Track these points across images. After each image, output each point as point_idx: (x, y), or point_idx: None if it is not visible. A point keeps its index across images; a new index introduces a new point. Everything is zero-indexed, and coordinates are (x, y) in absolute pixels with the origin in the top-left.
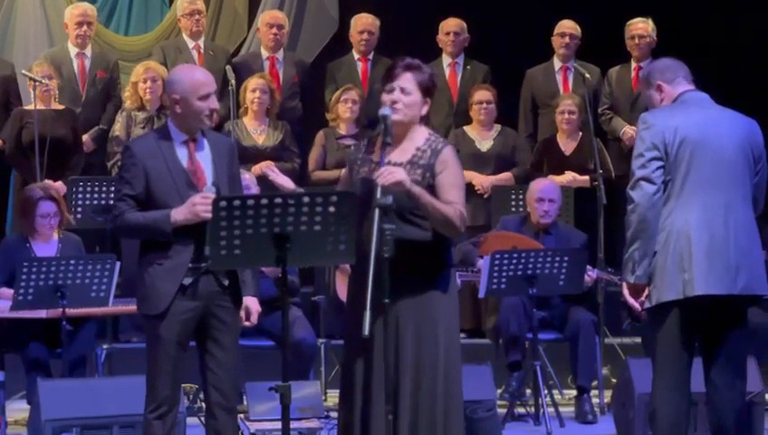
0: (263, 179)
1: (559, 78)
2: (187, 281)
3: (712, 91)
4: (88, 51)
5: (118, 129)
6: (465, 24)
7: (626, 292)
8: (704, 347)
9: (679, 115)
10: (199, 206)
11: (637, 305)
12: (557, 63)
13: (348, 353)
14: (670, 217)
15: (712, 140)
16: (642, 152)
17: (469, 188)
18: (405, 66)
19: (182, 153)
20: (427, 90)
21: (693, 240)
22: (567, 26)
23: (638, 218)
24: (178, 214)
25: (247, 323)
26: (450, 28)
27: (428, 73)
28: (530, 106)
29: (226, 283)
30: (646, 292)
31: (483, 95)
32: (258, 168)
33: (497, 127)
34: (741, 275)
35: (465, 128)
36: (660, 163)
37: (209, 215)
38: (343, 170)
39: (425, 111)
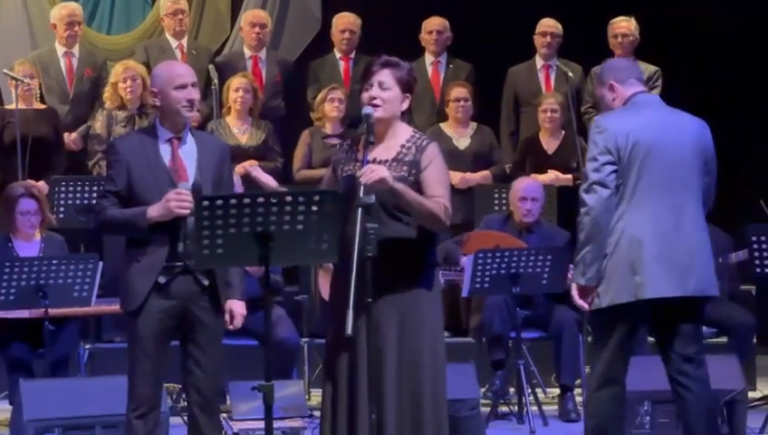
0: (247, 179)
1: (541, 76)
2: (163, 280)
3: (693, 88)
4: (75, 50)
5: (98, 127)
6: (447, 23)
7: (575, 293)
8: (663, 349)
9: (632, 118)
10: (173, 202)
11: (585, 306)
12: (539, 62)
13: (331, 353)
14: (622, 221)
15: (664, 144)
16: (596, 156)
17: None
18: (382, 63)
19: (165, 151)
20: (407, 85)
21: (644, 244)
22: (548, 25)
23: (591, 222)
24: (154, 210)
25: (231, 327)
26: (433, 27)
27: (407, 69)
28: (512, 105)
29: (206, 283)
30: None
31: (460, 92)
32: (242, 167)
33: (473, 125)
34: (692, 277)
35: (441, 125)
36: (614, 167)
37: (183, 211)
38: (326, 171)
39: (405, 106)
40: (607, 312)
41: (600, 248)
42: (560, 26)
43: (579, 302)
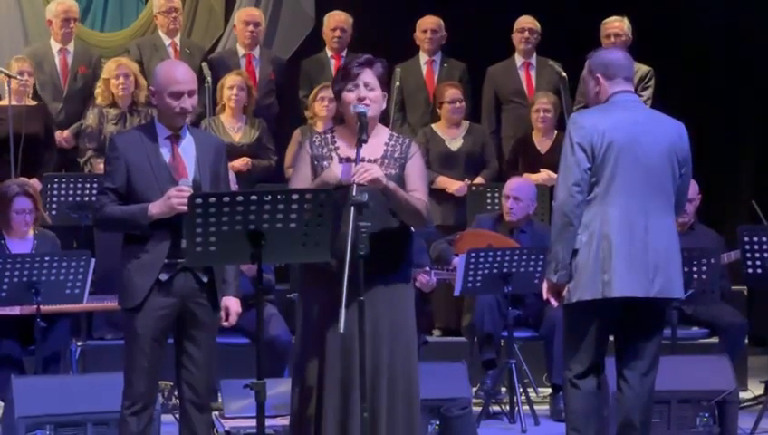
0: (241, 176)
1: (522, 74)
2: (164, 277)
3: (686, 88)
4: (70, 47)
5: (89, 124)
6: (442, 22)
7: (545, 289)
8: (618, 345)
9: (608, 118)
10: (174, 199)
11: (555, 303)
12: (518, 60)
13: (320, 350)
14: (594, 219)
15: (638, 146)
16: (570, 152)
17: (442, 192)
18: (363, 63)
19: (165, 148)
20: (385, 83)
21: (613, 243)
22: (526, 22)
23: (562, 220)
24: (155, 207)
25: (225, 324)
26: (427, 26)
27: (383, 65)
28: (493, 103)
29: (205, 280)
30: (565, 290)
31: (454, 94)
32: (235, 165)
33: (465, 124)
34: (657, 279)
35: (433, 126)
36: (588, 165)
37: (184, 208)
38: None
39: (384, 105)
40: (574, 308)
41: (570, 245)
42: (537, 23)
43: (551, 300)
